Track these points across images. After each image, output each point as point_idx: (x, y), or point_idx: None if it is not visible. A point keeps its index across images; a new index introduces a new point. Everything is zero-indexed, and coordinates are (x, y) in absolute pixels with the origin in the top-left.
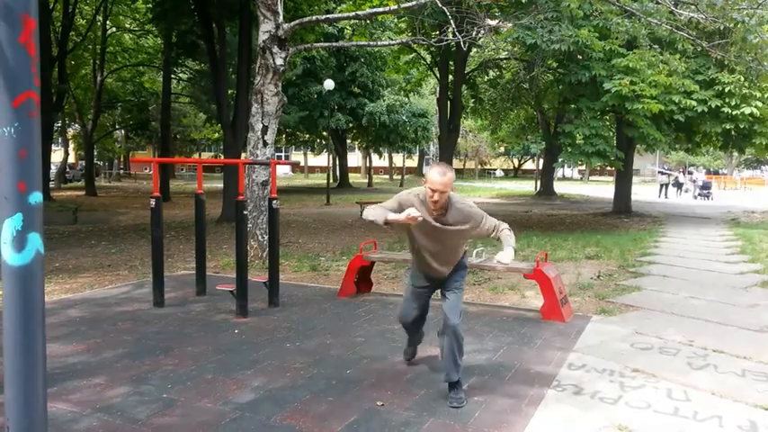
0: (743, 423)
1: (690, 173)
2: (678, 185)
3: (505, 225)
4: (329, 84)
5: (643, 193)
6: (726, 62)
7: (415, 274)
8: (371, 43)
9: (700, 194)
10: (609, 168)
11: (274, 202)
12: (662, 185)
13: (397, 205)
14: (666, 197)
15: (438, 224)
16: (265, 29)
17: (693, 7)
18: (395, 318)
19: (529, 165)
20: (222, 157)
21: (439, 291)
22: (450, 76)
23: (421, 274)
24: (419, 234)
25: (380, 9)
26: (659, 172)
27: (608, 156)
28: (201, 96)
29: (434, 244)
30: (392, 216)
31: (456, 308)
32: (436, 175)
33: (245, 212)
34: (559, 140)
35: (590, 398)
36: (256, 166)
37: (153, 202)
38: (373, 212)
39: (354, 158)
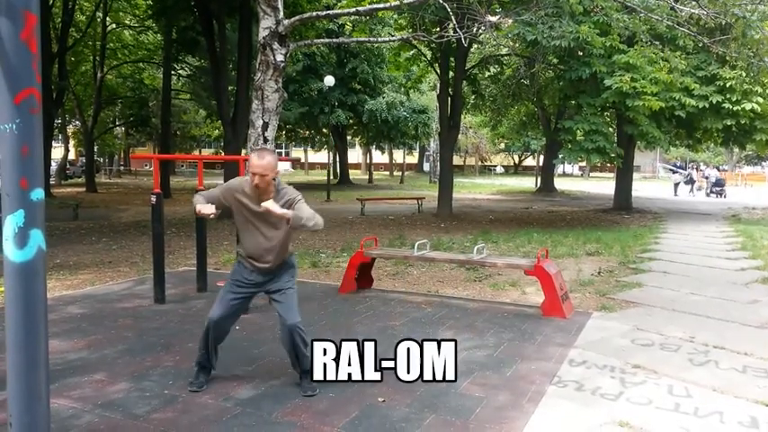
0: (744, 419)
1: (700, 169)
2: (691, 182)
3: (314, 214)
4: (329, 80)
5: (644, 189)
6: (727, 58)
7: (240, 267)
8: (372, 39)
9: (713, 192)
10: (609, 165)
11: None
12: (676, 184)
13: (219, 192)
14: (676, 194)
15: (259, 210)
16: (265, 25)
17: (694, 3)
18: (396, 314)
19: (529, 161)
20: (222, 153)
21: (269, 296)
22: (451, 73)
23: (247, 267)
24: (244, 222)
25: (381, 5)
26: (670, 170)
27: (607, 152)
28: (202, 93)
29: (259, 231)
30: (198, 207)
31: (292, 308)
32: (255, 158)
33: None
34: (560, 136)
35: (591, 394)
36: None
37: (154, 198)
38: (195, 198)
39: (355, 155)
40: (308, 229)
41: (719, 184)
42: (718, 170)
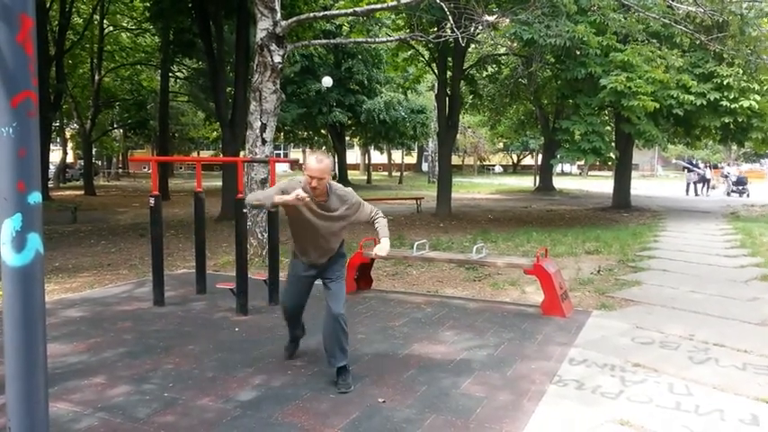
0: (744, 416)
1: (714, 167)
2: (704, 181)
3: (381, 213)
4: (327, 81)
5: (642, 187)
6: (724, 55)
7: (296, 262)
8: (369, 40)
9: (734, 191)
10: (609, 163)
11: None
12: (690, 183)
13: (280, 191)
14: (697, 194)
15: (320, 210)
16: (263, 26)
17: (692, 0)
18: (396, 314)
19: (528, 160)
20: (221, 155)
21: (320, 281)
22: (449, 72)
23: (301, 263)
24: (302, 221)
25: (378, 5)
26: (685, 168)
27: (603, 153)
28: (200, 95)
29: (316, 231)
30: (279, 198)
31: (339, 297)
32: (313, 162)
33: (244, 210)
34: (558, 136)
35: (591, 393)
36: (255, 164)
37: (152, 200)
38: (259, 196)
39: (353, 155)
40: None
41: (741, 182)
42: (716, 168)
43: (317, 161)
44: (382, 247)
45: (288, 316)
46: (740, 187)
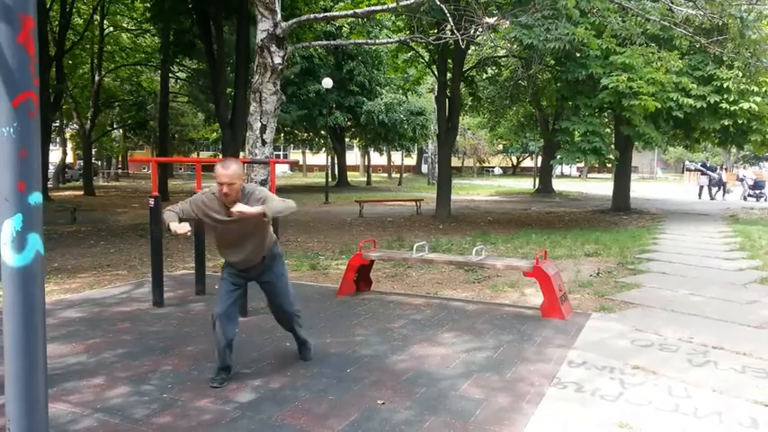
0: (743, 419)
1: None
2: (720, 185)
3: (291, 203)
4: (327, 82)
5: (642, 190)
6: (724, 58)
7: (229, 269)
8: (369, 41)
9: (751, 195)
10: (607, 165)
11: None
12: (702, 187)
13: (189, 206)
14: (712, 198)
15: (232, 218)
16: (263, 27)
17: (692, 3)
18: (395, 316)
19: (527, 162)
20: (221, 156)
21: (259, 286)
22: (449, 74)
23: (234, 268)
24: (220, 232)
25: (378, 7)
26: (698, 170)
27: (603, 153)
28: (200, 95)
29: (237, 236)
30: (173, 226)
31: (286, 295)
32: (220, 168)
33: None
34: (557, 137)
35: (590, 395)
36: (255, 165)
37: (152, 201)
38: (167, 214)
39: (353, 157)
40: (284, 215)
41: (759, 186)
42: (726, 170)
43: (224, 167)
44: (242, 205)
45: (217, 329)
46: (757, 191)
